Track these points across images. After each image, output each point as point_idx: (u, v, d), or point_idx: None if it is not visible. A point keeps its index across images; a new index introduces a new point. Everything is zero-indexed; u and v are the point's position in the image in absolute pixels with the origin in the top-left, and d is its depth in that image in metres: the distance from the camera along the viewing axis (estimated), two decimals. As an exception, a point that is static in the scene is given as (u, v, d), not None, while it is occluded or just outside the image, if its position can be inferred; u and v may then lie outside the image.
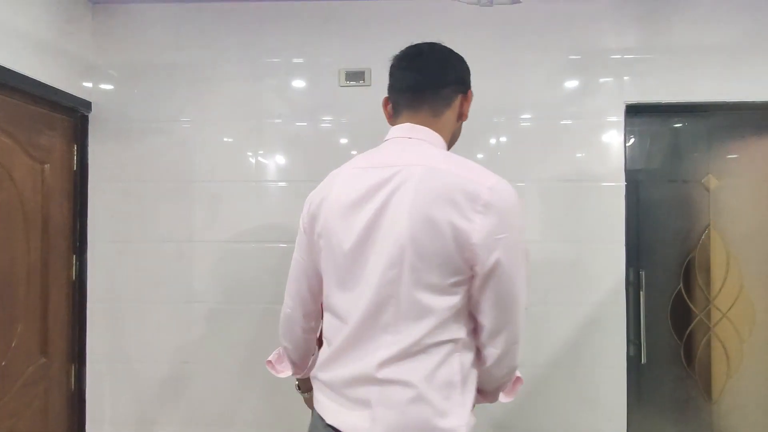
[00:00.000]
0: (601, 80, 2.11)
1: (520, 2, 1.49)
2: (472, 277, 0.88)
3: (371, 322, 0.90)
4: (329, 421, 0.94)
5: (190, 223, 2.15)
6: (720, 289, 2.17)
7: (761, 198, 2.17)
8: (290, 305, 1.11)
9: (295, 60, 2.16)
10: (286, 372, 1.22)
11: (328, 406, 0.96)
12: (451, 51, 1.06)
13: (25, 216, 1.80)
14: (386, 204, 0.89)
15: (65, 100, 1.96)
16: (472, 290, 0.89)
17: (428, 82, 1.01)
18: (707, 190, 2.18)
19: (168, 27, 2.17)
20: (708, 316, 2.18)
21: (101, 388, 2.14)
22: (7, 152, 1.72)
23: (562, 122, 2.11)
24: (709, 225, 2.18)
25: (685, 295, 2.18)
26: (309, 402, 1.31)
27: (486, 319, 0.90)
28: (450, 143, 1.06)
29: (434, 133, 0.99)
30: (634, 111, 2.12)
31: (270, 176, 2.16)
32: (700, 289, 2.18)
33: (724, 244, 2.17)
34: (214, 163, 2.15)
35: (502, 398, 1.06)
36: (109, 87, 2.16)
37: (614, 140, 2.10)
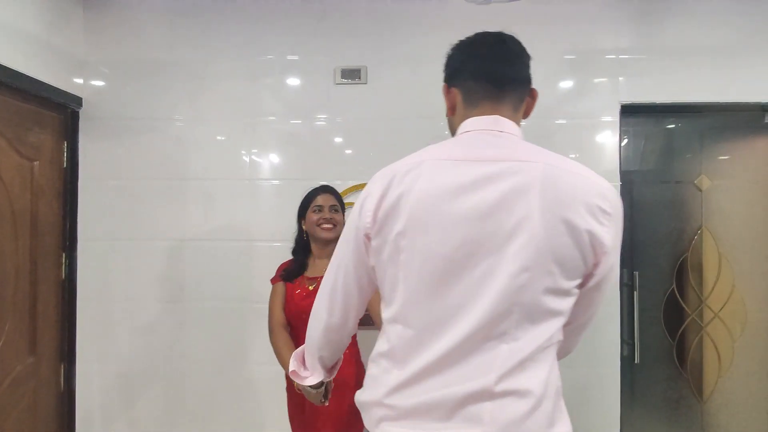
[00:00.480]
0: (596, 80, 2.11)
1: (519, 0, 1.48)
2: (588, 278, 0.86)
3: (486, 332, 0.80)
4: None
5: (182, 222, 2.13)
6: (712, 289, 2.18)
7: (753, 199, 2.18)
8: (339, 315, 0.99)
9: (290, 57, 2.14)
10: (314, 378, 1.13)
11: None
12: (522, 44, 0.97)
13: (13, 214, 1.77)
14: (504, 202, 0.80)
15: (55, 96, 1.93)
16: (582, 290, 0.86)
17: (513, 74, 0.93)
18: (700, 190, 2.19)
19: (161, 23, 2.14)
20: (700, 316, 2.19)
21: (91, 388, 2.12)
22: (-5, 149, 1.69)
23: (557, 122, 2.11)
24: (701, 225, 2.19)
25: (678, 296, 2.19)
26: (317, 396, 1.40)
27: (584, 316, 0.90)
28: None
29: (518, 128, 0.93)
30: (628, 111, 2.12)
31: (264, 175, 2.14)
32: (692, 290, 2.19)
33: (716, 245, 2.18)
34: (207, 162, 2.13)
35: None
36: (100, 83, 2.13)
37: (609, 140, 2.11)
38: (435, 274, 0.82)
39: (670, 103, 2.10)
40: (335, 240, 1.67)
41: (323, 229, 1.72)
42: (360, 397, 0.94)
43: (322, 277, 1.65)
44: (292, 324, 1.72)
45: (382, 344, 0.91)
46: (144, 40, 2.14)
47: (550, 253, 0.79)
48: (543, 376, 0.82)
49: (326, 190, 1.80)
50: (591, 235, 0.81)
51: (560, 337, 0.85)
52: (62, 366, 2.05)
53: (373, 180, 0.91)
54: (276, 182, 2.14)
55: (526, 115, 0.98)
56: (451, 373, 0.81)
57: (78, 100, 2.07)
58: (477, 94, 0.93)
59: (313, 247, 1.78)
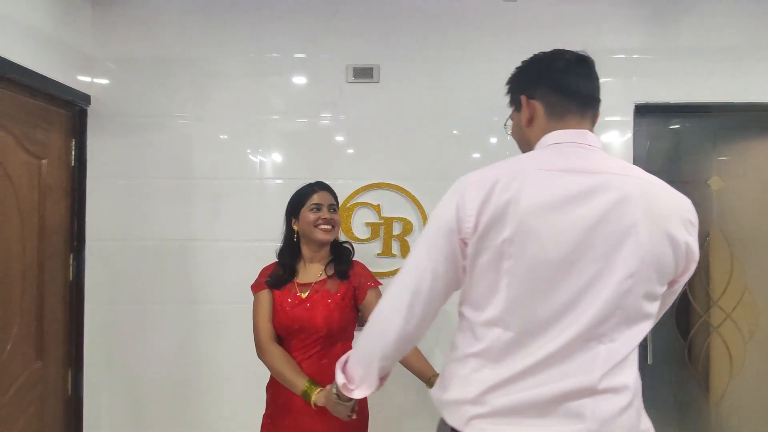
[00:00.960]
0: (610, 80, 2.11)
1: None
2: (673, 283, 0.97)
3: (589, 334, 0.86)
4: None
5: (191, 222, 2.09)
6: (724, 290, 2.19)
7: (766, 199, 2.19)
8: (416, 323, 0.96)
9: (301, 56, 2.11)
10: (363, 391, 1.08)
11: None
12: None
13: (20, 214, 1.72)
14: (610, 213, 0.86)
15: (63, 94, 1.89)
16: (663, 293, 0.95)
17: (594, 93, 1.02)
18: (712, 190, 2.20)
19: (170, 20, 2.10)
20: (712, 317, 2.19)
21: (98, 393, 2.07)
22: (3, 147, 1.65)
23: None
24: (713, 226, 2.19)
25: (689, 296, 2.19)
26: (346, 410, 1.28)
27: (659, 315, 1.00)
28: None
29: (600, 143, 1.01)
30: (642, 111, 2.12)
31: (273, 174, 2.11)
32: (704, 290, 2.19)
33: (728, 245, 2.18)
34: (217, 161, 2.10)
35: None
36: (108, 81, 2.09)
37: (623, 140, 2.10)
38: (542, 281, 0.87)
39: (683, 103, 2.10)
40: (330, 243, 1.59)
41: (322, 230, 1.55)
42: (444, 395, 0.96)
43: (315, 284, 1.55)
44: (282, 336, 1.56)
45: (471, 345, 0.93)
46: (153, 37, 2.10)
47: (652, 261, 0.87)
48: (634, 374, 0.91)
49: (323, 187, 1.63)
50: (687, 246, 0.92)
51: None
52: (69, 371, 2.00)
53: (466, 184, 0.91)
54: (285, 182, 2.11)
55: None
56: (551, 372, 0.86)
57: (86, 98, 2.03)
58: (562, 108, 0.99)
59: (305, 249, 1.61)
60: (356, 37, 2.10)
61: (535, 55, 1.07)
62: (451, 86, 2.10)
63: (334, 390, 1.19)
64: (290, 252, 1.61)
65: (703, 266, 2.19)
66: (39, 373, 1.82)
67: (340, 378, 1.10)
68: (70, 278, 2.00)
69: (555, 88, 1.00)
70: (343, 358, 1.11)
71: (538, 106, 1.01)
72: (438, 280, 0.93)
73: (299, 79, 2.12)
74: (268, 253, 2.06)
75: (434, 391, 1.00)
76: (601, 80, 2.06)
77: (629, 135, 2.10)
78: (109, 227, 2.07)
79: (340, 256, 1.63)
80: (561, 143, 0.96)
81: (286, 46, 2.11)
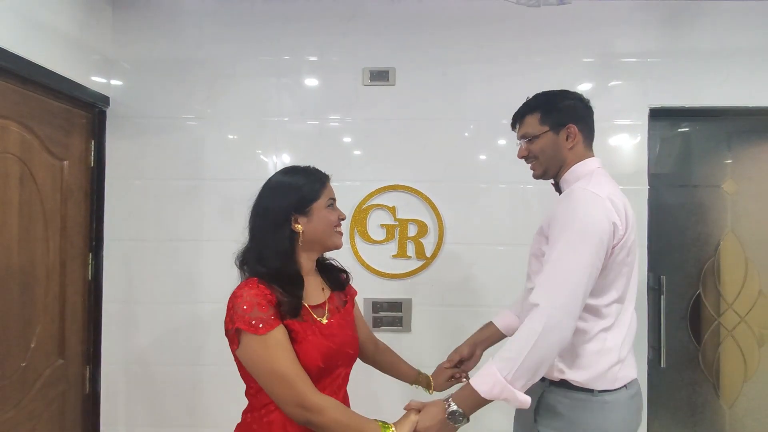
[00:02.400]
0: (624, 84, 2.11)
1: (569, 2, 1.48)
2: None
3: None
4: None
5: (208, 222, 2.11)
6: (738, 294, 2.19)
7: (781, 203, 2.19)
8: (574, 316, 1.14)
9: (318, 58, 2.13)
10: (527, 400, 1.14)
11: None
12: None
13: (44, 215, 1.75)
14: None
15: (84, 95, 1.91)
16: None
17: None
18: (726, 194, 2.20)
19: (189, 22, 2.12)
20: (726, 320, 2.19)
21: (116, 391, 2.10)
22: (28, 148, 1.67)
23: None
24: (728, 229, 2.19)
25: (704, 300, 2.19)
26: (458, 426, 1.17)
27: None
28: None
29: None
30: (657, 114, 2.12)
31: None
32: (718, 294, 2.19)
33: (742, 249, 2.19)
34: (233, 162, 2.12)
35: None
36: (126, 82, 2.12)
37: (638, 143, 2.11)
38: (629, 284, 1.27)
39: (698, 107, 2.10)
40: None
41: (340, 233, 1.24)
42: (591, 370, 1.21)
43: (327, 303, 1.21)
44: (323, 370, 1.14)
45: (598, 324, 1.22)
46: (170, 39, 2.12)
47: None
48: None
49: (328, 178, 1.27)
50: None
51: None
52: (88, 368, 2.03)
53: (602, 203, 1.18)
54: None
55: None
56: (633, 321, 1.31)
57: (105, 99, 2.05)
58: (590, 141, 1.36)
59: (305, 258, 1.21)
60: (372, 40, 2.12)
61: (566, 91, 1.36)
62: (464, 89, 2.11)
63: (449, 410, 1.13)
64: (289, 264, 1.16)
65: (717, 269, 2.19)
66: (61, 371, 1.85)
67: (496, 394, 1.12)
68: (89, 277, 2.03)
69: (589, 124, 1.36)
70: (489, 373, 1.12)
71: (579, 134, 1.31)
72: (592, 279, 1.16)
73: (314, 82, 2.14)
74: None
75: (573, 374, 1.22)
76: (615, 83, 2.11)
77: (640, 138, 2.10)
78: (127, 227, 2.10)
79: (326, 263, 1.32)
80: (600, 167, 1.31)
81: (302, 49, 2.13)
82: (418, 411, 1.17)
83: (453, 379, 1.49)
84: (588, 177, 1.25)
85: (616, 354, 1.22)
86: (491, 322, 1.57)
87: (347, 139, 2.13)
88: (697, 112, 2.14)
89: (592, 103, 2.10)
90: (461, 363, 1.51)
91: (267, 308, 1.09)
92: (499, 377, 1.11)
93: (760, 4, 2.07)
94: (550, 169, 1.34)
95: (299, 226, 1.17)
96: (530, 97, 1.39)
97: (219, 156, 2.12)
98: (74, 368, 1.95)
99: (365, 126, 2.13)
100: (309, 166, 1.28)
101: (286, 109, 2.13)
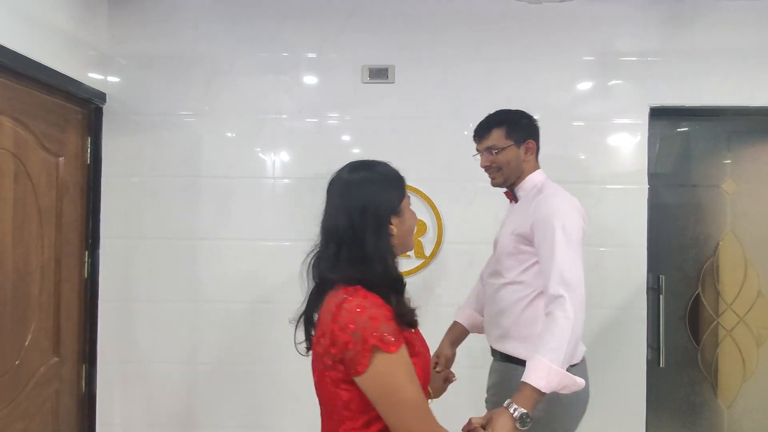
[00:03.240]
0: (626, 83, 2.10)
1: (571, 0, 1.47)
2: None
3: None
4: None
5: (202, 220, 2.10)
6: (737, 294, 2.18)
7: (780, 203, 2.18)
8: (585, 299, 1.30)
9: (316, 55, 2.12)
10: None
11: None
12: None
13: (39, 211, 1.74)
14: None
15: (80, 91, 1.90)
16: None
17: None
18: (727, 194, 2.19)
19: (185, 18, 2.11)
20: (725, 320, 2.18)
21: (111, 390, 2.08)
22: (23, 144, 1.66)
23: (585, 124, 2.10)
24: (727, 229, 2.19)
25: (703, 300, 2.18)
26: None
27: None
28: None
29: None
30: (657, 114, 2.11)
31: (289, 174, 2.11)
32: (717, 294, 2.19)
33: (742, 249, 2.18)
34: (230, 160, 2.10)
35: None
36: (123, 78, 2.10)
37: (638, 143, 2.10)
38: None
39: (698, 106, 2.09)
40: None
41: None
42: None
43: None
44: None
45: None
46: (167, 35, 2.10)
47: None
48: None
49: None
50: None
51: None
52: (83, 367, 2.01)
53: (578, 206, 1.40)
54: (301, 182, 2.11)
55: None
56: None
57: (102, 96, 2.04)
58: (538, 154, 1.53)
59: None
60: (372, 38, 2.10)
61: (523, 111, 1.52)
62: (464, 87, 2.10)
63: (515, 414, 1.14)
64: (396, 267, 1.03)
65: (716, 270, 2.18)
66: (55, 369, 1.84)
67: (555, 385, 1.19)
68: (85, 275, 2.01)
69: (538, 141, 1.53)
70: (542, 367, 1.18)
71: (534, 150, 1.50)
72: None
73: (313, 79, 2.12)
74: (282, 253, 2.09)
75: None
76: (615, 82, 2.10)
77: (640, 137, 2.09)
78: (123, 225, 2.08)
79: None
80: (547, 177, 1.50)
81: (301, 46, 2.11)
82: (483, 427, 1.13)
83: (447, 382, 1.43)
84: (547, 185, 1.46)
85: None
86: (457, 321, 1.65)
87: (346, 137, 2.12)
88: (697, 112, 2.14)
89: (593, 102, 2.13)
90: (448, 364, 1.56)
91: (392, 321, 0.93)
92: (554, 368, 1.18)
93: (760, 3, 2.07)
94: (510, 178, 1.49)
95: (393, 227, 1.03)
96: (492, 113, 1.53)
97: (216, 153, 2.10)
98: (69, 367, 1.93)
99: (364, 124, 2.12)
100: (381, 161, 1.12)
101: (284, 106, 2.11)
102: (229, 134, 2.11)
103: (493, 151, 1.47)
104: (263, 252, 2.09)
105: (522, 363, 1.27)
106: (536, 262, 1.37)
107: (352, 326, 0.89)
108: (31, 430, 1.71)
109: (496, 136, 1.47)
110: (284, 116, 2.11)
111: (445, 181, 2.09)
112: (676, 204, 2.20)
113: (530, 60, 2.11)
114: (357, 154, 2.12)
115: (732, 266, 2.18)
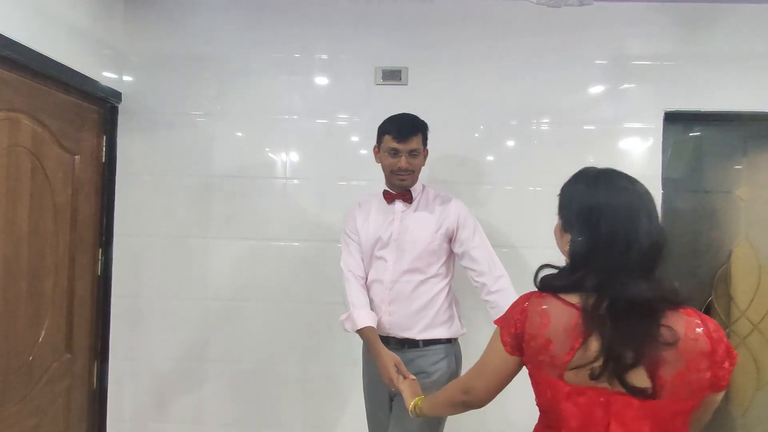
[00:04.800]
0: (638, 86, 2.09)
1: (590, 3, 1.47)
2: None
3: None
4: None
5: (215, 219, 2.11)
6: (751, 301, 2.16)
7: (796, 210, 2.15)
8: None
9: (330, 56, 2.12)
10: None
11: None
12: None
13: (55, 208, 1.75)
14: None
15: (96, 90, 1.92)
16: None
17: None
18: (741, 200, 2.17)
19: (200, 17, 2.12)
20: (739, 327, 2.16)
21: (122, 386, 2.09)
22: (40, 142, 1.68)
23: (596, 128, 2.09)
24: (741, 236, 2.16)
25: (716, 306, 2.16)
26: None
27: None
28: None
29: None
30: (671, 118, 2.10)
31: (300, 174, 2.12)
32: (730, 301, 2.16)
33: (756, 256, 2.15)
34: (242, 160, 2.11)
35: None
36: (138, 78, 2.12)
37: (652, 147, 2.08)
38: None
39: (714, 111, 2.07)
40: None
41: None
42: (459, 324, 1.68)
43: None
44: None
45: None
46: (182, 35, 2.12)
47: None
48: None
49: None
50: None
51: None
52: (95, 364, 2.03)
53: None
54: (315, 182, 2.12)
55: None
56: None
57: (117, 95, 2.06)
58: None
59: None
60: (385, 39, 2.11)
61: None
62: (476, 89, 2.10)
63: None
64: None
65: (729, 276, 2.16)
66: (67, 365, 1.85)
67: None
68: (99, 272, 2.03)
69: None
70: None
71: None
72: None
73: (325, 80, 2.13)
74: (294, 252, 2.09)
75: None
76: (628, 86, 2.09)
77: (652, 142, 2.08)
78: (136, 223, 2.10)
79: None
80: None
81: (313, 47, 2.12)
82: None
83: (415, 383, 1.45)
84: (431, 188, 1.71)
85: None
86: (372, 327, 1.56)
87: (355, 138, 2.12)
88: (711, 117, 2.12)
89: (605, 106, 2.12)
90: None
91: None
92: None
93: (776, 8, 2.05)
94: (415, 180, 1.65)
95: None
96: (409, 115, 1.65)
97: (228, 153, 2.11)
98: (81, 363, 1.94)
99: (376, 126, 2.11)
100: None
101: (296, 107, 2.12)
102: (241, 134, 2.12)
103: (414, 154, 1.60)
104: (273, 251, 2.10)
105: (442, 342, 1.59)
106: (450, 256, 1.64)
107: (727, 346, 0.90)
108: (43, 425, 1.72)
109: (419, 141, 1.61)
110: (296, 117, 2.12)
111: (457, 183, 2.08)
112: (690, 210, 2.17)
113: (542, 62, 2.10)
114: (366, 155, 2.12)
115: (745, 273, 2.16)
